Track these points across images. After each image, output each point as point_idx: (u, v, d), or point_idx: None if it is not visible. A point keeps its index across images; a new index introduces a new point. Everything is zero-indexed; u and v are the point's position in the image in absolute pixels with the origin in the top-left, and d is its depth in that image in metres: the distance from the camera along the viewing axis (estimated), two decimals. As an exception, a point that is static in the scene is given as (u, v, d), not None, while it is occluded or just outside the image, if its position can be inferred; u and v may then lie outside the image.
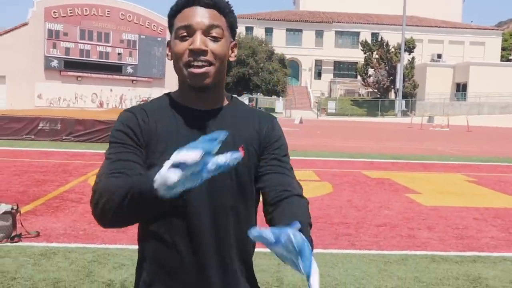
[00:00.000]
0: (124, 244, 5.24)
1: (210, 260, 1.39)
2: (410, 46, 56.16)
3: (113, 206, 1.24)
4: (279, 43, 66.30)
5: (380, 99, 57.03)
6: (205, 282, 1.39)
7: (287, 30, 68.78)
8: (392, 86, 55.99)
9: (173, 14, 1.43)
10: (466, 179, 11.12)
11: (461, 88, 59.82)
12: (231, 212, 1.43)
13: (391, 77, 55.43)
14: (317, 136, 25.82)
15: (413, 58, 56.39)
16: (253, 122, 1.51)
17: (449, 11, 79.41)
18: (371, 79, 57.12)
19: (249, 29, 66.72)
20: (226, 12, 1.43)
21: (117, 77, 41.25)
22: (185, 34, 1.38)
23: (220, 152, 1.17)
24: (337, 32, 69.27)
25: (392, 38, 60.64)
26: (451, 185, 10.31)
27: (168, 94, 1.53)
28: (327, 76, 68.52)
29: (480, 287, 4.40)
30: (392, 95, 58.99)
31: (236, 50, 1.51)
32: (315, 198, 8.06)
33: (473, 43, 69.94)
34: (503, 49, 77.96)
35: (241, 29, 63.62)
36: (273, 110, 52.27)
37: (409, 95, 55.71)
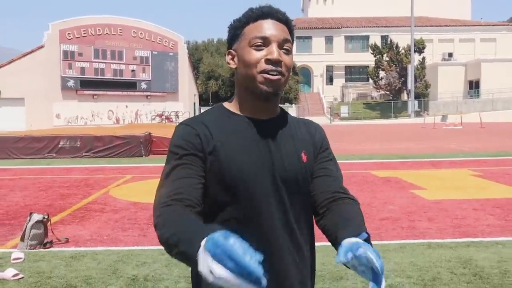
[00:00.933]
0: (146, 245, 5.75)
1: (288, 265, 1.45)
2: (420, 47, 56.29)
3: (168, 243, 1.26)
4: (290, 51, 66.79)
5: (392, 101, 57.17)
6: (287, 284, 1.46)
7: (297, 37, 69.23)
8: (404, 88, 56.12)
9: (241, 26, 1.49)
10: (472, 174, 11.47)
11: (473, 86, 59.69)
12: (299, 216, 1.50)
13: (402, 79, 55.57)
14: (330, 140, 26.14)
15: (423, 58, 56.51)
16: (305, 128, 1.60)
17: (458, 9, 79.29)
18: (382, 82, 57.30)
19: (259, 39, 67.37)
20: (292, 29, 1.53)
21: (132, 93, 42.13)
22: (261, 44, 1.44)
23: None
24: (346, 37, 69.64)
25: (402, 39, 60.85)
26: (456, 180, 10.68)
27: (221, 105, 1.57)
28: (338, 81, 68.82)
29: (470, 267, 4.82)
30: (404, 96, 59.06)
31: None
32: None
33: (483, 39, 69.74)
34: (514, 44, 77.59)
35: (251, 39, 64.32)
36: (286, 117, 52.72)
37: (422, 95, 55.78)
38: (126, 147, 16.55)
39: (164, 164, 1.46)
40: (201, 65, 56.57)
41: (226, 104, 1.55)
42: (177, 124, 1.53)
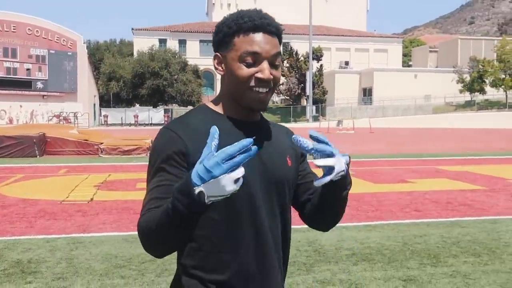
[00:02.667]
0: (32, 235, 6.06)
1: (272, 260, 1.46)
2: (318, 55, 58.91)
3: (155, 242, 1.29)
4: (193, 54, 67.33)
5: (292, 106, 59.30)
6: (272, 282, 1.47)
7: (201, 41, 69.91)
8: (303, 93, 58.44)
9: (231, 33, 1.42)
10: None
11: (367, 93, 63.43)
12: (280, 216, 1.50)
13: (301, 85, 57.85)
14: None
15: (321, 66, 59.18)
16: (284, 135, 1.59)
17: (355, 21, 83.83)
18: (283, 87, 59.26)
19: (162, 41, 67.26)
20: (281, 38, 1.48)
21: (27, 92, 40.67)
22: (252, 61, 1.39)
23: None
24: (249, 43, 71.22)
25: (302, 47, 63.36)
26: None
27: (205, 106, 1.51)
28: (241, 85, 70.19)
29: (313, 245, 5.64)
30: (304, 102, 61.49)
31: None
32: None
33: (377, 50, 74.31)
34: (404, 55, 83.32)
35: (154, 42, 64.07)
36: (188, 120, 53.09)
37: (319, 101, 58.38)
38: (19, 147, 16.26)
39: (147, 168, 1.42)
40: (102, 65, 55.46)
41: (210, 105, 1.51)
42: (161, 127, 1.46)
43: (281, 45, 1.48)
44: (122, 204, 8.05)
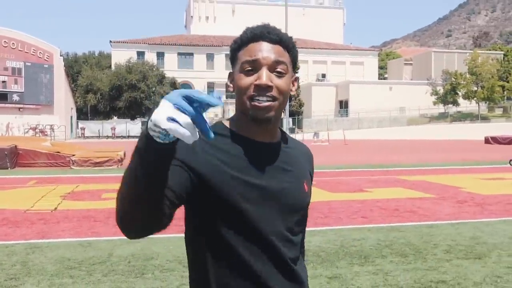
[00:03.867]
0: (-8, 242, 6.39)
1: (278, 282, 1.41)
2: (294, 67, 59.66)
3: (127, 206, 1.15)
4: (171, 66, 67.70)
5: (269, 118, 59.87)
6: None
7: (179, 54, 70.33)
8: (280, 105, 59.08)
9: (237, 48, 1.42)
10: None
11: (343, 105, 64.38)
12: (294, 243, 1.46)
13: (278, 97, 58.51)
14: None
15: (297, 78, 59.89)
16: (304, 156, 1.56)
17: (332, 34, 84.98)
18: (260, 99, 59.86)
19: (140, 54, 67.50)
20: (290, 47, 1.44)
21: (2, 105, 40.66)
22: (250, 68, 1.37)
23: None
24: (227, 55, 70.45)
25: (279, 60, 64.10)
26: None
27: (221, 123, 1.47)
28: (219, 98, 70.56)
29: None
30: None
31: (296, 84, 1.50)
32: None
33: (353, 63, 75.45)
34: (380, 67, 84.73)
35: (132, 54, 64.31)
36: (166, 132, 53.25)
37: (296, 113, 59.10)
38: (-7, 159, 16.46)
39: None
40: (80, 78, 55.51)
41: (226, 122, 1.46)
42: None
43: (291, 55, 1.43)
44: (84, 213, 8.39)
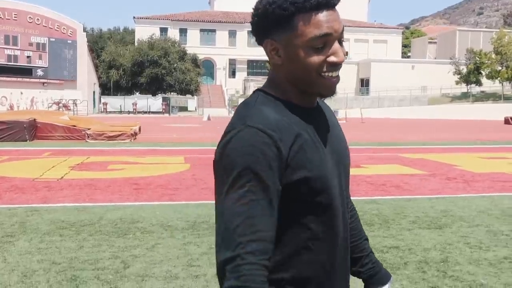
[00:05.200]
0: (-1, 205, 7.02)
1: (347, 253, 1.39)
2: (315, 45, 59.53)
3: None
4: (194, 43, 68.08)
5: (290, 96, 60.06)
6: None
7: (201, 30, 70.61)
8: (300, 83, 59.20)
9: (290, 15, 1.20)
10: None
11: (364, 84, 64.11)
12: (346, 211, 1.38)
13: (299, 74, 58.59)
14: (214, 131, 27.90)
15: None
16: (332, 112, 1.46)
17: (356, 11, 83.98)
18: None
19: (163, 30, 67.99)
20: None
21: (27, 79, 41.68)
22: (323, 45, 1.21)
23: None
24: (249, 32, 71.17)
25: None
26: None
27: (266, 94, 1.29)
28: (241, 75, 70.94)
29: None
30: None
31: None
32: (176, 173, 10.10)
33: (376, 41, 74.69)
34: (405, 46, 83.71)
35: (155, 30, 64.85)
36: (186, 108, 53.97)
37: (316, 91, 59.13)
38: (10, 131, 17.23)
39: (221, 178, 1.17)
40: (103, 53, 56.39)
41: (271, 91, 1.29)
42: (236, 126, 1.20)
43: None
44: (87, 182, 9.00)
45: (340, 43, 1.25)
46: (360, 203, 7.38)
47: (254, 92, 1.32)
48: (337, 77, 1.26)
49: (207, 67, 68.08)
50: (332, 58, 1.22)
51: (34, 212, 6.51)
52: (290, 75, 1.26)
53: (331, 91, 1.27)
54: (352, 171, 6.71)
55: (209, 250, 4.95)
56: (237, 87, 68.92)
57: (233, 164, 1.15)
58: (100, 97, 53.35)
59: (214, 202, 1.20)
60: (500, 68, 58.39)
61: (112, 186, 8.65)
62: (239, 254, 1.11)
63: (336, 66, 1.23)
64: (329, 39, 1.21)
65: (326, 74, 1.23)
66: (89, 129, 18.05)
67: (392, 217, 6.56)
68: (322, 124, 1.32)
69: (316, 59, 1.22)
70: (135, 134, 18.59)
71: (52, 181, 9.08)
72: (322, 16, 1.20)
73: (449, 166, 12.02)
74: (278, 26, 1.23)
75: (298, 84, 1.27)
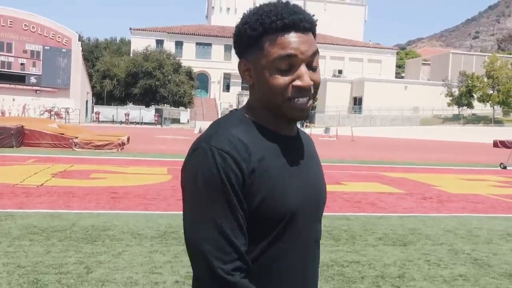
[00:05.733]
0: (-25, 209, 7.10)
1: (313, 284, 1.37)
2: (310, 62, 60.01)
3: None
4: (189, 56, 68.48)
5: (283, 111, 60.33)
6: None
7: (197, 43, 71.05)
8: (293, 99, 59.55)
9: (259, 36, 1.21)
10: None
11: (357, 102, 64.54)
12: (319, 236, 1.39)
13: (292, 91, 58.98)
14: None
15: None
16: (311, 142, 1.46)
17: (352, 30, 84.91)
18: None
19: (159, 42, 68.36)
20: (315, 33, 1.27)
21: (20, 86, 41.78)
22: (287, 67, 1.19)
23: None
24: (245, 47, 72.33)
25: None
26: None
27: (243, 115, 1.28)
28: (235, 89, 71.25)
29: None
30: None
31: None
32: (157, 183, 10.21)
33: (371, 60, 75.38)
34: (399, 66, 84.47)
35: (151, 42, 65.22)
36: (178, 120, 54.12)
37: (309, 108, 59.42)
38: (-1, 137, 17.30)
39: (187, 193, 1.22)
40: (97, 63, 56.61)
41: (248, 114, 1.29)
42: (200, 145, 1.21)
43: (315, 39, 1.26)
44: (66, 189, 9.09)
45: (314, 69, 1.23)
46: (331, 219, 7.52)
47: (230, 111, 1.32)
48: (307, 102, 1.23)
49: (202, 81, 68.39)
50: (297, 82, 1.20)
51: (9, 217, 6.60)
52: (261, 97, 1.25)
53: (300, 115, 1.23)
54: (331, 188, 6.97)
55: (174, 259, 5.07)
56: (231, 101, 69.20)
57: (192, 181, 1.18)
58: (93, 107, 53.45)
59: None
60: (491, 91, 59.03)
61: (91, 194, 8.76)
62: (208, 267, 1.16)
63: (302, 90, 1.20)
64: (294, 61, 1.20)
65: (294, 99, 1.21)
66: (76, 137, 18.14)
67: (360, 233, 6.69)
68: (297, 155, 1.30)
69: (280, 80, 1.20)
70: (123, 144, 18.69)
71: (31, 187, 9.17)
72: (289, 37, 1.19)
73: (428, 186, 12.20)
74: (249, 46, 1.24)
75: (268, 106, 1.25)
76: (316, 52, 1.23)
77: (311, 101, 1.24)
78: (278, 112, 1.25)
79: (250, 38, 1.23)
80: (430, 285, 4.67)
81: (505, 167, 18.17)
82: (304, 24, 1.21)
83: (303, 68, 1.20)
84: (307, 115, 1.25)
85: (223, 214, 1.16)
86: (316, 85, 1.24)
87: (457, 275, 5.01)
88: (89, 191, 9.08)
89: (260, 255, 1.24)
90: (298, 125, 1.39)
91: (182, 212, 1.27)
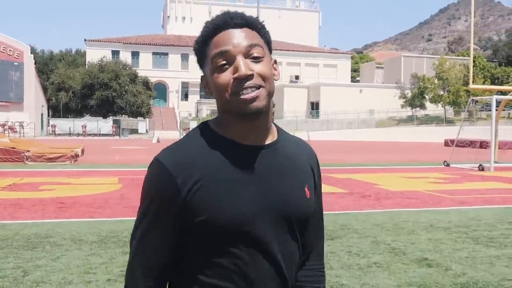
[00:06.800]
0: None
1: None
2: (266, 69, 60.76)
3: None
4: (146, 66, 68.35)
5: (241, 118, 60.80)
6: None
7: (154, 53, 70.98)
8: (251, 106, 60.15)
9: (202, 45, 1.25)
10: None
11: (314, 107, 65.63)
12: (294, 256, 1.32)
13: (250, 98, 59.56)
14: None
15: (276, 61, 61.03)
16: (304, 156, 1.38)
17: (308, 37, 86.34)
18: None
19: (115, 53, 67.99)
20: (259, 28, 1.27)
21: (-29, 101, 40.95)
22: (224, 62, 1.19)
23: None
24: (202, 56, 72.62)
25: (252, 61, 65.09)
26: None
27: (207, 126, 1.30)
28: (194, 98, 71.45)
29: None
30: (253, 114, 63.19)
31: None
32: (105, 193, 10.43)
33: (326, 65, 76.83)
34: (354, 71, 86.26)
35: (107, 53, 64.80)
36: (137, 131, 53.92)
37: (267, 114, 60.13)
38: None
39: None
40: (52, 75, 55.91)
41: (212, 125, 1.30)
42: (154, 158, 1.25)
43: (263, 37, 1.27)
44: (13, 201, 9.25)
45: (257, 59, 1.21)
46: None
47: (199, 124, 1.34)
48: (255, 94, 1.19)
49: (160, 90, 68.30)
50: (234, 75, 1.18)
51: (-49, 230, 6.77)
52: (217, 103, 1.26)
53: (250, 108, 1.18)
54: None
55: (110, 260, 5.37)
56: (190, 109, 69.34)
57: (142, 192, 1.25)
58: (48, 120, 52.73)
59: (129, 218, 1.61)
60: (442, 92, 60.97)
61: (38, 205, 8.94)
62: (132, 278, 1.26)
63: (243, 81, 1.18)
64: (228, 56, 1.20)
65: (240, 93, 1.18)
66: (28, 151, 18.10)
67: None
68: (259, 166, 1.25)
69: (222, 77, 1.20)
70: (76, 156, 18.73)
71: (-22, 201, 9.28)
72: (220, 36, 1.22)
73: (370, 185, 12.79)
74: (201, 60, 1.29)
75: (225, 110, 1.24)
76: (254, 44, 1.22)
77: (260, 91, 1.20)
78: (232, 112, 1.22)
79: (199, 52, 1.28)
80: (345, 272, 5.12)
81: (448, 165, 19.05)
82: (234, 21, 1.23)
83: (238, 59, 1.19)
84: (258, 107, 1.19)
85: (149, 230, 1.24)
86: (264, 76, 1.21)
87: (372, 263, 5.48)
88: (37, 202, 9.25)
89: (209, 271, 1.24)
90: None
91: (127, 218, 1.49)
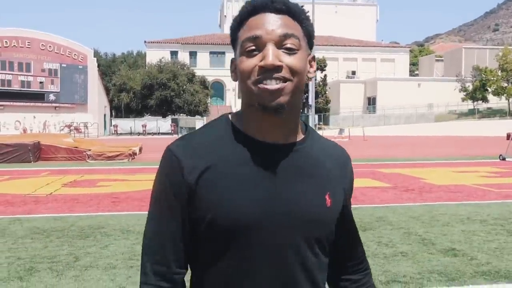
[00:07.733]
0: (-12, 217, 8.00)
1: None
2: (321, 65, 60.68)
3: None
4: (203, 65, 69.73)
5: (297, 115, 61.04)
6: None
7: (211, 53, 72.29)
8: (306, 103, 60.21)
9: (236, 26, 1.17)
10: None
11: (371, 102, 64.93)
12: (313, 272, 1.20)
13: (306, 95, 59.60)
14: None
15: (325, 76, 60.97)
16: (336, 161, 1.26)
17: (364, 31, 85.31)
18: (288, 97, 61.09)
19: (174, 53, 69.78)
20: (302, 18, 1.16)
21: (40, 104, 43.30)
22: (253, 47, 1.11)
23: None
24: (258, 54, 73.33)
25: (308, 58, 65.21)
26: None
27: (227, 119, 1.22)
28: (250, 95, 72.15)
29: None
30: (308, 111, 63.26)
31: (315, 65, 1.22)
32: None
33: (384, 59, 75.72)
34: (413, 64, 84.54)
35: (165, 54, 66.62)
36: (194, 129, 55.18)
37: (323, 110, 60.06)
38: (15, 153, 18.39)
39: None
40: (114, 77, 58.12)
41: (232, 117, 1.23)
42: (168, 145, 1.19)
43: (304, 28, 1.16)
44: (72, 197, 9.99)
45: (290, 50, 1.11)
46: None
47: (221, 115, 1.27)
48: (279, 86, 1.09)
49: (217, 89, 69.48)
50: (261, 62, 1.09)
51: (16, 221, 7.49)
52: (241, 92, 1.16)
53: (270, 100, 1.09)
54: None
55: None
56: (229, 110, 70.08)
57: (154, 182, 1.22)
58: (111, 120, 54.92)
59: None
60: (506, 84, 58.89)
61: (94, 200, 9.63)
62: (144, 273, 1.19)
63: (268, 71, 1.09)
64: (259, 41, 1.11)
65: (263, 81, 1.09)
66: (89, 150, 19.14)
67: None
68: (272, 165, 1.15)
69: (247, 64, 1.11)
70: (134, 154, 19.62)
71: (41, 196, 10.09)
72: (256, 18, 1.13)
73: (416, 179, 12.82)
74: (233, 42, 1.20)
75: (247, 100, 1.15)
76: (290, 35, 1.12)
77: (286, 85, 1.10)
78: (253, 102, 1.12)
79: (233, 32, 1.19)
80: (370, 261, 5.36)
81: (504, 159, 18.60)
82: (275, 5, 1.13)
83: (268, 47, 1.10)
84: (280, 102, 1.10)
85: (161, 219, 1.18)
86: (293, 68, 1.10)
87: (398, 252, 5.71)
88: (93, 197, 9.95)
89: (208, 275, 1.18)
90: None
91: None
